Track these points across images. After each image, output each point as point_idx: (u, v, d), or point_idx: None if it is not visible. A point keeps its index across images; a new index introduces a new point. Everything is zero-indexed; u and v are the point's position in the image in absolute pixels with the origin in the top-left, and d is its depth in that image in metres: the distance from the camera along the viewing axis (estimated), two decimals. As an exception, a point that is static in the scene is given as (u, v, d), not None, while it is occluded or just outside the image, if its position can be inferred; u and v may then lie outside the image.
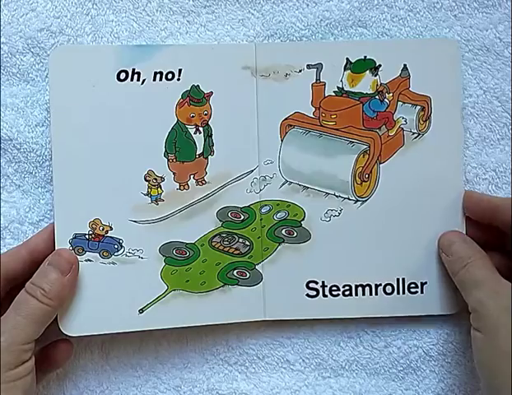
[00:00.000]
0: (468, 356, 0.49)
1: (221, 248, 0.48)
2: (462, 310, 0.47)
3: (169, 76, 0.47)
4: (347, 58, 0.48)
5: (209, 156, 0.48)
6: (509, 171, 0.50)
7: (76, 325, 0.46)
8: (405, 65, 0.48)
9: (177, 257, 0.47)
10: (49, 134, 0.48)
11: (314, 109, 0.48)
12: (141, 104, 0.47)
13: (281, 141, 0.48)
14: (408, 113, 0.48)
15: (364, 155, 0.48)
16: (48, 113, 0.49)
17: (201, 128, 0.47)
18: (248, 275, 0.48)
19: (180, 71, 0.47)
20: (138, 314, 0.47)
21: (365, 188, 0.48)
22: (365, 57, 0.48)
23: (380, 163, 0.48)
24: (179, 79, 0.47)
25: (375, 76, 0.48)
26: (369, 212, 0.48)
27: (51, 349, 0.46)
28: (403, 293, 0.48)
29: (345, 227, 0.48)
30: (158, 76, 0.47)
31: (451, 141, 0.48)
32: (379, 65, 0.48)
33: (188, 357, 0.50)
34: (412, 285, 0.48)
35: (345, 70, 0.48)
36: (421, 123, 0.48)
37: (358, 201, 0.48)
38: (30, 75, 0.49)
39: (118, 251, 0.47)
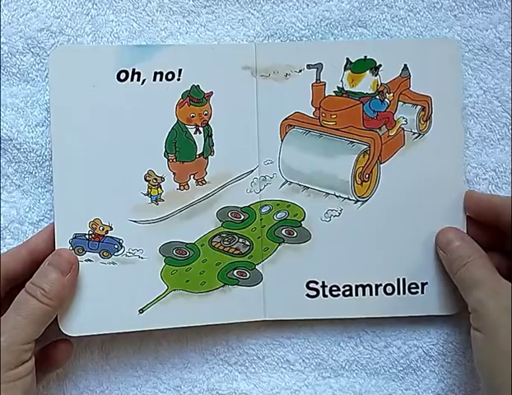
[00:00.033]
0: (468, 356, 0.49)
1: (221, 248, 0.48)
2: (462, 310, 0.47)
3: (170, 76, 0.47)
4: (347, 58, 0.48)
5: (209, 156, 0.48)
6: (509, 171, 0.50)
7: (76, 325, 0.46)
8: (405, 65, 0.48)
9: (177, 257, 0.47)
10: (49, 134, 0.48)
11: (314, 109, 0.48)
12: (142, 104, 0.47)
13: (282, 141, 0.48)
14: (409, 113, 0.48)
15: (364, 155, 0.48)
16: (48, 113, 0.49)
17: (201, 128, 0.47)
18: (248, 275, 0.48)
19: (180, 71, 0.47)
20: (138, 314, 0.47)
21: (365, 188, 0.48)
22: (366, 57, 0.48)
23: (381, 163, 0.48)
24: (179, 79, 0.47)
25: (376, 76, 0.48)
26: (369, 212, 0.48)
27: (51, 349, 0.46)
28: (404, 293, 0.48)
29: (345, 227, 0.48)
30: (158, 76, 0.47)
31: (452, 141, 0.48)
32: (380, 65, 0.48)
33: (188, 357, 0.50)
34: (413, 286, 0.48)
35: (345, 70, 0.48)
36: (422, 122, 0.48)
37: (358, 201, 0.48)
38: (30, 75, 0.49)
39: (118, 251, 0.47)
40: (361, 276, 0.48)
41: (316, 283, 0.48)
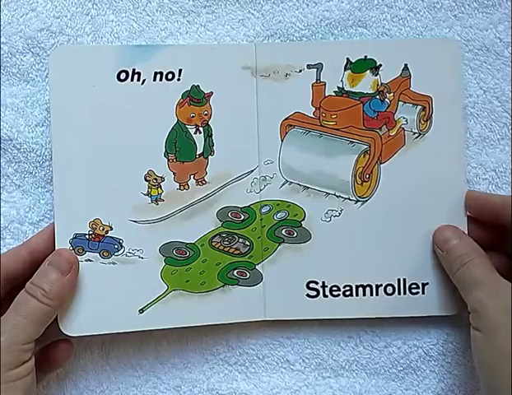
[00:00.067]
0: (468, 356, 0.49)
1: (221, 248, 0.48)
2: (462, 310, 0.47)
3: (170, 76, 0.47)
4: (348, 58, 0.48)
5: (209, 156, 0.48)
6: (509, 171, 0.50)
7: (76, 325, 0.46)
8: (406, 65, 0.48)
9: (177, 257, 0.47)
10: (49, 134, 0.48)
11: (314, 109, 0.48)
12: (142, 104, 0.47)
13: (282, 141, 0.48)
14: (409, 112, 0.48)
15: (364, 155, 0.48)
16: (48, 113, 0.48)
17: (201, 128, 0.47)
18: (248, 275, 0.48)
19: (180, 71, 0.47)
20: (138, 314, 0.47)
21: (365, 188, 0.48)
22: (366, 57, 0.48)
23: (381, 163, 0.48)
24: (179, 79, 0.47)
25: (376, 75, 0.48)
26: (369, 212, 0.48)
27: (51, 349, 0.46)
28: (404, 293, 0.48)
29: (345, 227, 0.48)
30: (158, 76, 0.47)
31: (452, 140, 0.48)
32: (380, 65, 0.48)
33: (188, 357, 0.50)
34: (413, 286, 0.48)
35: (345, 70, 0.48)
36: (422, 122, 0.48)
37: (358, 201, 0.48)
38: (30, 75, 0.49)
39: (118, 251, 0.46)
40: (362, 276, 0.48)
41: (316, 283, 0.48)
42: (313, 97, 0.48)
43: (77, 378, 0.49)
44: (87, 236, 0.46)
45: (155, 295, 0.47)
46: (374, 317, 0.48)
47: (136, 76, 0.46)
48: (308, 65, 0.48)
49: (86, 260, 0.46)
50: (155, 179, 0.47)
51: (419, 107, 0.48)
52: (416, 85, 0.48)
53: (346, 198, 0.48)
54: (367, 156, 0.48)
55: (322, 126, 0.48)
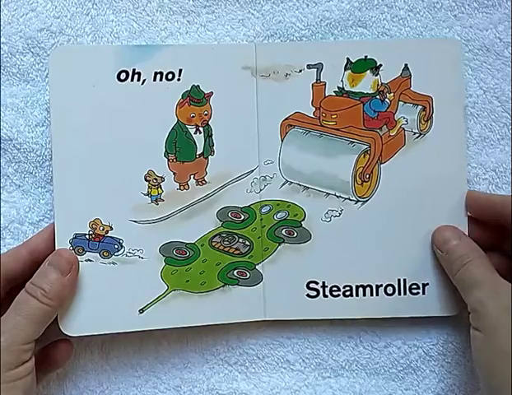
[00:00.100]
0: (468, 356, 0.49)
1: (221, 248, 0.48)
2: (462, 310, 0.47)
3: (170, 76, 0.47)
4: (348, 58, 0.48)
5: (209, 156, 0.48)
6: (509, 171, 0.50)
7: (76, 325, 0.46)
8: (406, 65, 0.48)
9: (177, 257, 0.47)
10: (49, 134, 0.48)
11: (314, 109, 0.48)
12: (142, 105, 0.47)
13: (282, 141, 0.48)
14: (409, 113, 0.48)
15: (364, 156, 0.48)
16: (48, 113, 0.48)
17: (201, 128, 0.47)
18: (248, 275, 0.48)
19: (180, 71, 0.47)
20: (138, 314, 0.47)
21: (365, 188, 0.48)
22: (366, 56, 0.48)
23: (381, 163, 0.48)
24: (179, 79, 0.47)
25: (376, 75, 0.48)
26: (369, 213, 0.48)
27: (51, 349, 0.46)
28: (404, 294, 0.48)
29: (345, 227, 0.48)
30: (158, 76, 0.47)
31: (453, 140, 0.48)
32: (380, 65, 0.48)
33: (188, 357, 0.50)
34: (414, 286, 0.48)
35: (345, 70, 0.48)
36: (423, 122, 0.48)
37: (359, 201, 0.48)
38: (30, 75, 0.49)
39: (118, 251, 0.46)
40: (362, 276, 0.48)
41: (316, 283, 0.48)
42: (313, 97, 0.48)
43: (77, 378, 0.49)
44: (87, 236, 0.46)
45: (155, 295, 0.47)
46: (375, 317, 0.48)
47: (136, 76, 0.46)
48: (308, 65, 0.48)
49: (86, 260, 0.46)
50: (156, 179, 0.47)
51: (419, 107, 0.48)
52: (417, 85, 0.48)
53: (346, 198, 0.48)
54: (367, 156, 0.48)
55: (322, 126, 0.48)
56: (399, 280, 0.48)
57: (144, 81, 0.47)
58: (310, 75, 0.48)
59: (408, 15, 0.50)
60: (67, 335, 0.46)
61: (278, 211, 0.48)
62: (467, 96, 0.50)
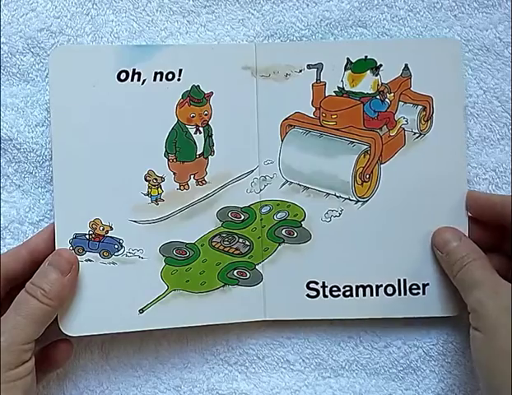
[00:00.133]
0: (468, 356, 0.49)
1: (221, 248, 0.48)
2: (462, 310, 0.47)
3: (170, 76, 0.47)
4: (348, 58, 0.48)
5: (209, 156, 0.48)
6: (509, 171, 0.50)
7: (76, 325, 0.46)
8: (406, 65, 0.48)
9: (177, 257, 0.47)
10: (49, 134, 0.48)
11: (314, 109, 0.48)
12: (142, 105, 0.47)
13: (282, 141, 0.48)
14: (410, 113, 0.48)
15: (365, 156, 0.48)
16: (48, 113, 0.48)
17: (201, 128, 0.47)
18: (248, 275, 0.48)
19: (180, 71, 0.47)
20: (138, 314, 0.47)
21: (365, 188, 0.48)
22: (366, 57, 0.48)
23: (381, 163, 0.48)
24: (179, 79, 0.47)
25: (376, 75, 0.48)
26: (369, 213, 0.48)
27: (51, 349, 0.46)
28: (405, 294, 0.48)
29: (345, 227, 0.48)
30: (158, 76, 0.47)
31: (453, 140, 0.48)
32: (380, 65, 0.48)
33: (188, 357, 0.50)
34: (414, 287, 0.48)
35: (345, 70, 0.48)
36: (423, 122, 0.48)
37: (359, 201, 0.48)
38: (30, 75, 0.49)
39: (118, 251, 0.46)
40: (362, 276, 0.48)
41: (316, 283, 0.48)
42: (313, 97, 0.48)
43: (77, 378, 0.49)
44: (87, 236, 0.46)
45: (155, 295, 0.47)
46: (375, 317, 0.48)
47: (136, 76, 0.46)
48: (308, 65, 0.48)
49: (86, 260, 0.46)
50: (156, 179, 0.47)
51: (419, 107, 0.48)
52: (417, 85, 0.48)
53: (346, 198, 0.48)
54: (367, 156, 0.48)
55: (322, 126, 0.48)
56: (399, 280, 0.48)
57: (144, 81, 0.47)
58: (310, 75, 0.48)
59: (408, 15, 0.50)
60: (67, 335, 0.46)
61: (278, 211, 0.48)
62: (467, 96, 0.50)
